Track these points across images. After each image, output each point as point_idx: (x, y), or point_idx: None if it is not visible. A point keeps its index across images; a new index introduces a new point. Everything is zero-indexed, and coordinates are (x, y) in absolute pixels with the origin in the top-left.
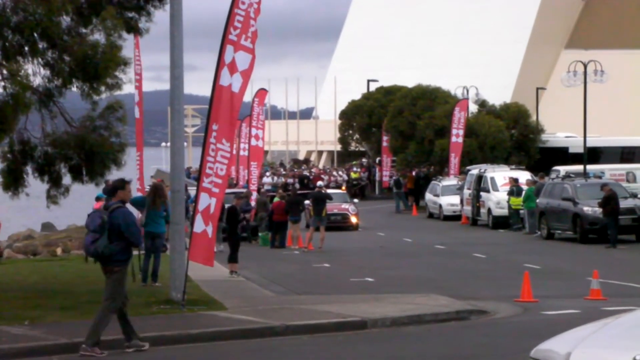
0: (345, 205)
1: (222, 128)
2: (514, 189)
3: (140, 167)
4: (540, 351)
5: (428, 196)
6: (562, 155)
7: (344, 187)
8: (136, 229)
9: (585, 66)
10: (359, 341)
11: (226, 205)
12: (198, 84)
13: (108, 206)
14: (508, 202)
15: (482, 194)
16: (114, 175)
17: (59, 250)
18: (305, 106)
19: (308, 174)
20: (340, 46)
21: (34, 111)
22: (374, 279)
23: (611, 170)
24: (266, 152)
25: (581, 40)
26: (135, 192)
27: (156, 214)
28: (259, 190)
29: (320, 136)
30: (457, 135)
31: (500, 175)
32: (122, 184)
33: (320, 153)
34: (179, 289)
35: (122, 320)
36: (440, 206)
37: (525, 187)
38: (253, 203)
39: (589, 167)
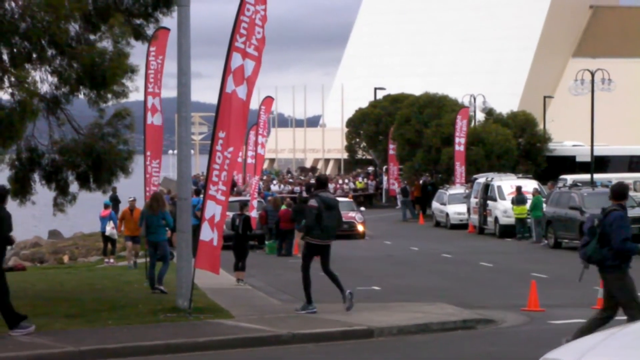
0: (351, 214)
1: (229, 135)
2: (514, 198)
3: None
4: None
5: (435, 204)
6: (570, 164)
7: (350, 195)
8: (622, 236)
9: (592, 75)
10: (365, 350)
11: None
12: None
13: (605, 209)
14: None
15: (489, 202)
16: (121, 183)
17: (65, 258)
18: (312, 114)
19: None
20: (347, 54)
21: (42, 118)
22: (380, 288)
23: (618, 179)
24: (273, 160)
25: (589, 48)
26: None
27: (154, 222)
28: (265, 198)
29: (327, 144)
30: (459, 143)
31: (507, 184)
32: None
33: (327, 161)
34: (185, 297)
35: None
36: (447, 215)
37: (530, 196)
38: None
39: (596, 176)
